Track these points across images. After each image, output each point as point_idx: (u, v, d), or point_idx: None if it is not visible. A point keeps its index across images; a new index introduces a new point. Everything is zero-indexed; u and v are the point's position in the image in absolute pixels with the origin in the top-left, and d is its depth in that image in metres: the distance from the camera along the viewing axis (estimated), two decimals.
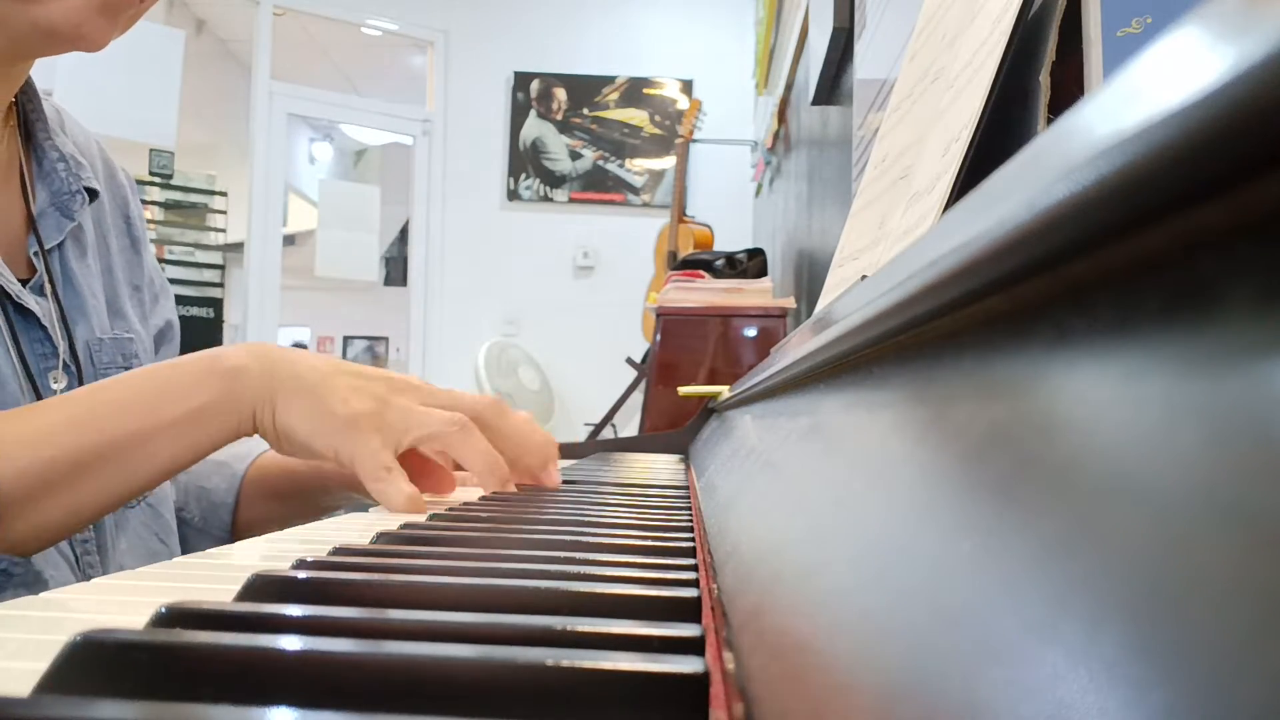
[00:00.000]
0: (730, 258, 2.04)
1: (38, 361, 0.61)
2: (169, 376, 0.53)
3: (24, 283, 0.62)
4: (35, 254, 0.63)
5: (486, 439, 0.59)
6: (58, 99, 0.73)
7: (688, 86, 4.17)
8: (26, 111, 0.66)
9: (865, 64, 1.13)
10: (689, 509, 0.51)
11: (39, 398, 0.60)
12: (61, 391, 0.62)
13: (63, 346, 0.62)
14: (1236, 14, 0.08)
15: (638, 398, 2.32)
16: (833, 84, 1.59)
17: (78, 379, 0.63)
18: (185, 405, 0.51)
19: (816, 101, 1.68)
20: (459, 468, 0.65)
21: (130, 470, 0.50)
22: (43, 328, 0.61)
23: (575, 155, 4.19)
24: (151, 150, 3.51)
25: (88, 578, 0.53)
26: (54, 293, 0.63)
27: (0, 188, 0.64)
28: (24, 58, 0.62)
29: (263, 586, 0.27)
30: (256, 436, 0.56)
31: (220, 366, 0.53)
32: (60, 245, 0.65)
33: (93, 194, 0.68)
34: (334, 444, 0.54)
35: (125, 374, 0.55)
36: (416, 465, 0.61)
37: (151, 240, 4.10)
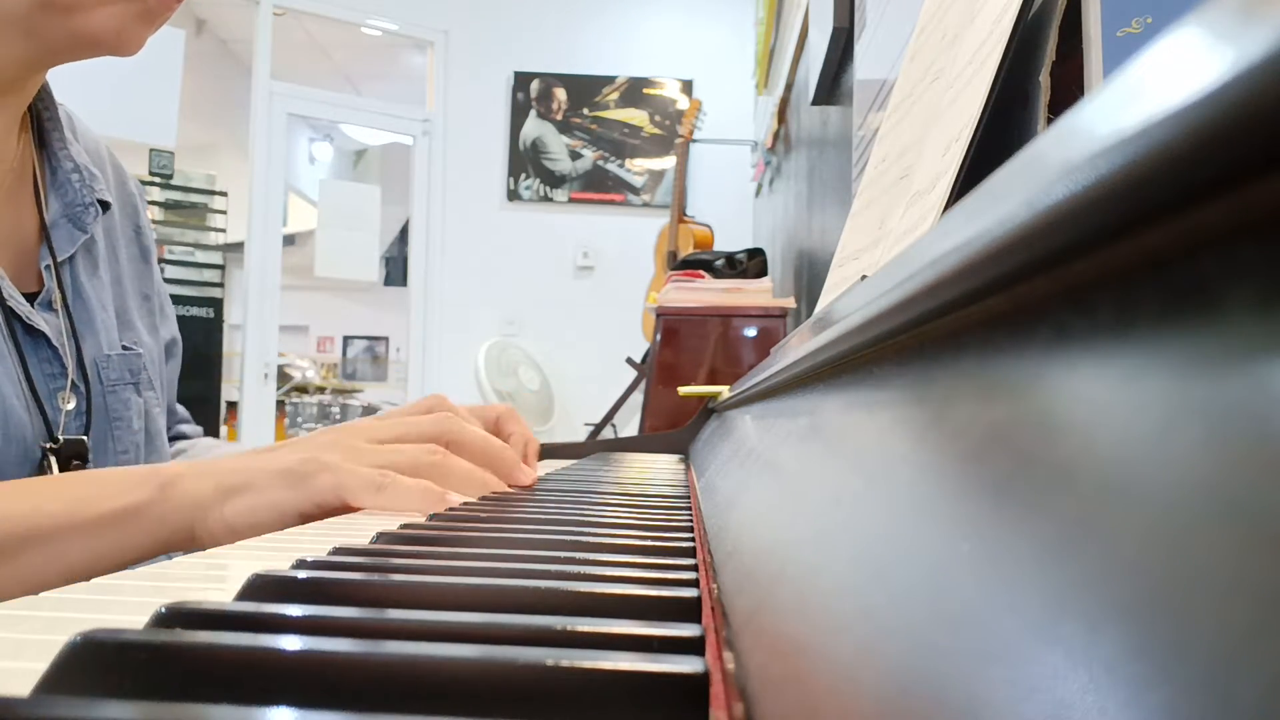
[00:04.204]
0: (730, 258, 2.04)
1: (46, 382, 0.60)
2: (96, 480, 0.50)
3: (33, 297, 0.61)
4: (46, 267, 0.62)
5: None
6: (57, 99, 0.72)
7: (688, 86, 4.17)
8: (42, 119, 0.65)
9: (865, 64, 1.13)
10: (689, 509, 0.51)
11: (46, 420, 0.59)
12: (70, 412, 0.61)
13: (71, 365, 0.61)
14: (1236, 14, 0.08)
15: (638, 398, 2.32)
16: (833, 84, 1.59)
17: (86, 399, 0.63)
18: (108, 506, 0.48)
19: (816, 101, 1.68)
20: None
21: (35, 567, 0.46)
22: (52, 347, 0.60)
23: (575, 155, 4.19)
24: (151, 150, 3.51)
25: None
26: (64, 307, 0.63)
27: (14, 196, 0.63)
28: (54, 64, 0.61)
29: (263, 586, 0.27)
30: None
31: (157, 475, 0.51)
32: (71, 258, 0.64)
33: (105, 206, 0.67)
34: (312, 489, 0.51)
35: (55, 476, 0.53)
36: None
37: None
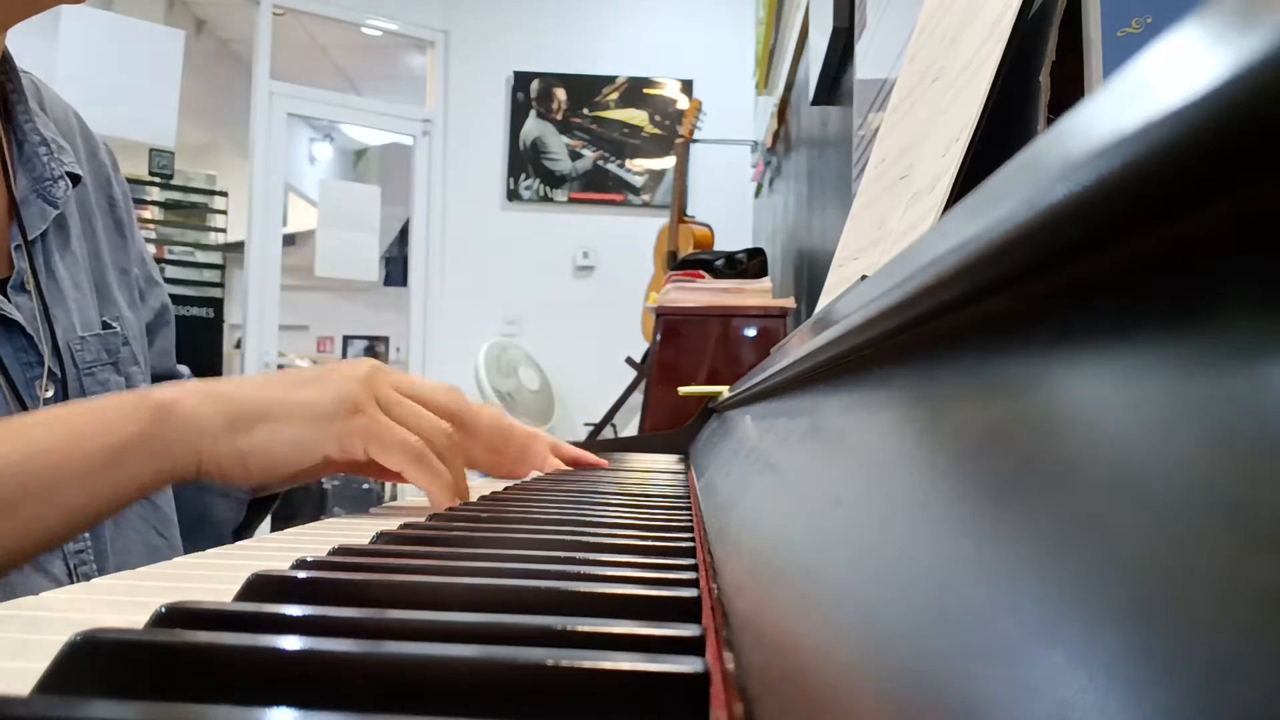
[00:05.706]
0: (730, 258, 2.04)
1: (22, 371, 0.57)
2: (88, 413, 0.46)
3: (3, 282, 0.58)
4: (17, 247, 0.59)
5: (464, 437, 0.57)
6: (39, 78, 0.69)
7: (688, 86, 4.17)
8: (5, 91, 0.62)
9: (865, 64, 1.13)
10: (689, 509, 0.51)
11: (24, 409, 0.56)
12: (49, 401, 0.58)
13: (47, 351, 0.59)
14: (1236, 14, 0.08)
15: (638, 398, 2.31)
16: (833, 84, 1.59)
17: (63, 384, 0.60)
18: (103, 442, 0.45)
19: (816, 101, 1.68)
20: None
21: (36, 518, 0.43)
22: (26, 335, 0.57)
23: (575, 155, 4.19)
24: (151, 150, 3.50)
25: (87, 579, 0.52)
26: (37, 289, 0.60)
27: None
28: (11, 22, 0.58)
29: (263, 586, 0.27)
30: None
31: (149, 401, 0.47)
32: (42, 235, 0.61)
33: (75, 179, 0.64)
34: (341, 431, 0.49)
35: (47, 410, 0.50)
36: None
37: (151, 240, 4.07)
